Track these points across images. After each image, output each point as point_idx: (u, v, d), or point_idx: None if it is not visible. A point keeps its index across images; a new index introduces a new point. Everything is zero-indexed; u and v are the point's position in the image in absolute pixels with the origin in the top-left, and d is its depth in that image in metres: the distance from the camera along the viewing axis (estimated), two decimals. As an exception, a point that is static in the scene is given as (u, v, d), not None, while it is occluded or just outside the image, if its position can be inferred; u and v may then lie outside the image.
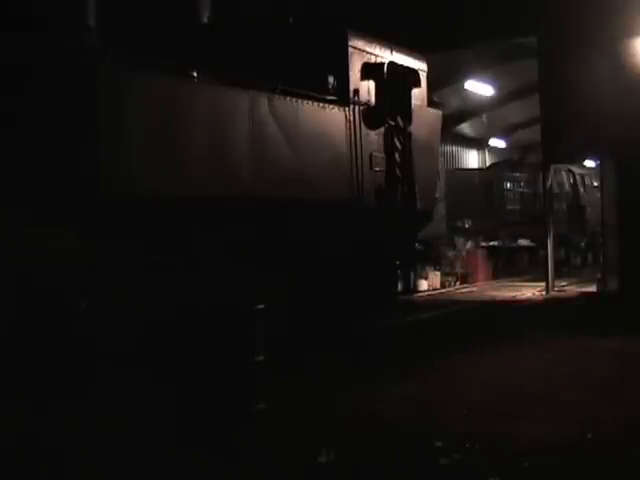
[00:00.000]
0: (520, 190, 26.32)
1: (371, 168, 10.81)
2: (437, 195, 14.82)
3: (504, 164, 28.60)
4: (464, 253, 21.09)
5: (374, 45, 11.19)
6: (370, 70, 10.94)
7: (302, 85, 9.58)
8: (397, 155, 11.39)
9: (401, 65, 11.66)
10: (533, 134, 22.90)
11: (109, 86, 7.23)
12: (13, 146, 6.61)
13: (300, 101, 9.55)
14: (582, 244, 26.96)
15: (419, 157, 11.77)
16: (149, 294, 6.48)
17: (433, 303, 15.88)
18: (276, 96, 9.16)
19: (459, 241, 21.53)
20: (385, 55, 11.37)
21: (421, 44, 12.80)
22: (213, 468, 5.48)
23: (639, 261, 14.57)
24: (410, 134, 11.64)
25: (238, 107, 8.69)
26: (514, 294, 17.44)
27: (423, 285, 18.29)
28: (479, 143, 33.93)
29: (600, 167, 17.90)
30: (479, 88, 25.28)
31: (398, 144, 11.41)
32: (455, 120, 27.49)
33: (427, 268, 18.57)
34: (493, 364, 9.23)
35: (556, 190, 24.07)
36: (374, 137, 10.97)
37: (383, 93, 11.12)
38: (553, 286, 17.26)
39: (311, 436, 6.25)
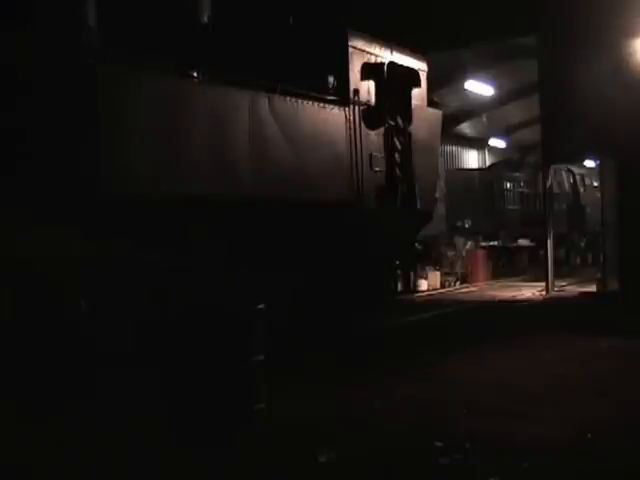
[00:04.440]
0: (520, 190, 26.34)
1: (371, 168, 10.81)
2: (437, 195, 14.83)
3: (504, 164, 28.62)
4: (464, 253, 21.10)
5: (374, 45, 11.19)
6: (370, 70, 10.94)
7: (302, 85, 9.58)
8: (397, 155, 11.39)
9: (401, 65, 11.66)
10: (533, 134, 22.91)
11: (109, 86, 7.23)
12: (13, 146, 6.60)
13: (300, 101, 9.55)
14: (582, 244, 26.98)
15: (419, 157, 11.77)
16: (149, 294, 6.48)
17: (433, 303, 15.89)
18: (276, 96, 9.16)
19: (459, 241, 21.54)
20: (385, 55, 11.38)
21: (421, 44, 12.80)
22: (213, 468, 5.48)
23: (639, 261, 14.57)
24: (410, 134, 11.64)
25: (238, 107, 8.69)
26: (514, 294, 17.44)
27: (423, 285, 18.30)
28: (479, 143, 33.93)
29: (600, 167, 17.91)
30: (479, 88, 25.28)
31: (398, 144, 11.42)
32: (455, 120, 27.50)
33: (427, 268, 18.58)
34: (493, 364, 9.23)
35: (556, 190, 24.10)
36: (374, 137, 10.97)
37: (383, 93, 11.12)
38: (553, 286, 17.27)
39: (311, 436, 6.26)
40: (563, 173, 27.39)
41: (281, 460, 5.70)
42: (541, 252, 19.68)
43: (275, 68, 9.43)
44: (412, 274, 16.62)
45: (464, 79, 24.14)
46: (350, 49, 10.67)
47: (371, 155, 10.83)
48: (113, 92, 7.27)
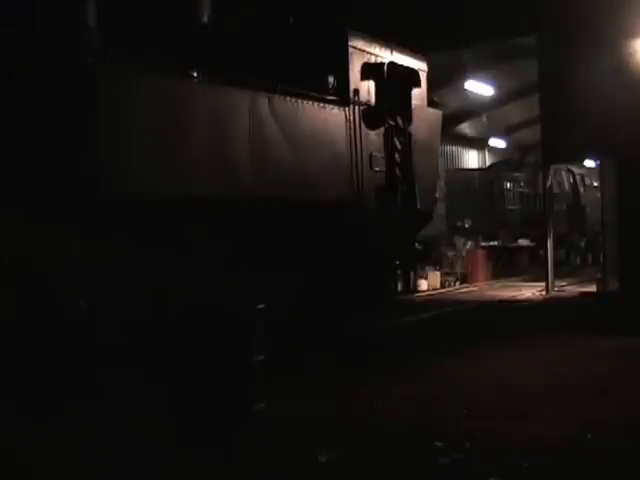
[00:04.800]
0: (520, 190, 26.34)
1: (371, 168, 10.81)
2: (437, 195, 14.83)
3: (504, 164, 28.62)
4: (464, 253, 21.10)
5: (374, 45, 11.20)
6: (370, 70, 10.94)
7: (302, 85, 9.58)
8: (397, 155, 11.40)
9: (401, 65, 11.67)
10: (533, 134, 22.92)
11: (109, 86, 7.23)
12: (13, 146, 6.61)
13: (300, 101, 9.55)
14: (582, 244, 26.98)
15: (419, 157, 11.77)
16: (149, 294, 6.48)
17: (433, 303, 15.89)
18: (276, 96, 9.16)
19: (459, 241, 21.54)
20: (385, 55, 11.38)
21: (421, 44, 12.81)
22: (213, 468, 5.48)
23: (639, 261, 14.57)
24: (410, 134, 11.64)
25: (238, 107, 8.69)
26: (514, 294, 17.44)
27: (423, 285, 18.30)
28: (479, 143, 33.93)
29: (600, 167, 17.91)
30: (479, 88, 25.28)
31: (398, 144, 11.42)
32: (455, 120, 27.49)
33: (427, 268, 18.58)
34: (493, 364, 9.23)
35: (556, 190, 24.10)
36: (374, 137, 10.97)
37: (383, 93, 11.13)
38: (553, 286, 17.27)
39: (311, 436, 6.26)
40: (563, 173, 27.39)
41: (281, 460, 5.70)
42: (541, 252, 19.68)
43: (275, 68, 9.43)
44: (412, 274, 16.62)
45: (464, 79, 24.14)
46: (350, 49, 10.67)
47: (371, 155, 10.83)
48: (113, 92, 7.27)
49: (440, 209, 20.94)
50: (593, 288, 16.73)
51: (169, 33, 8.42)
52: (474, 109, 28.33)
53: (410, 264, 14.75)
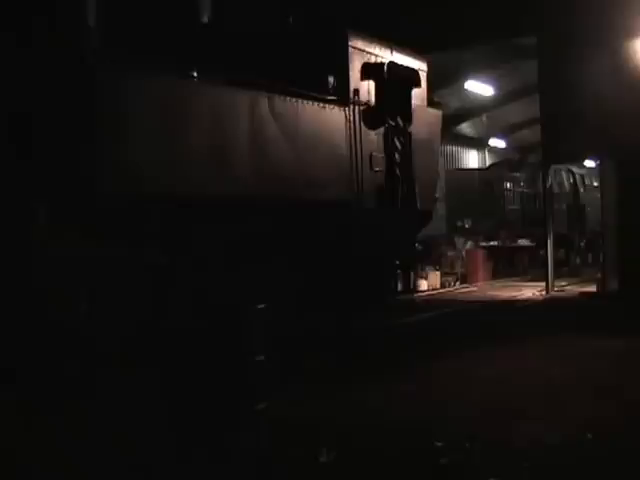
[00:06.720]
0: (520, 190, 26.34)
1: (371, 168, 10.80)
2: (437, 195, 14.82)
3: (504, 164, 28.61)
4: (464, 253, 21.11)
5: (374, 45, 11.18)
6: (370, 70, 10.93)
7: (302, 85, 9.58)
8: (397, 155, 11.38)
9: (401, 65, 11.66)
10: (533, 134, 22.94)
11: (109, 86, 7.23)
12: (12, 147, 6.60)
13: (300, 101, 9.55)
14: (582, 244, 26.98)
15: (419, 157, 11.76)
16: (149, 294, 6.48)
17: (433, 303, 15.90)
18: (276, 96, 9.15)
19: (459, 241, 21.56)
20: (385, 55, 11.37)
21: (421, 44, 12.80)
22: (213, 468, 5.48)
23: (639, 261, 14.58)
24: (410, 134, 11.63)
25: (238, 107, 8.69)
26: (514, 294, 17.45)
27: (423, 285, 18.30)
28: (479, 143, 33.93)
29: (600, 167, 17.92)
30: (479, 88, 25.29)
31: (398, 144, 11.40)
32: (455, 120, 27.50)
33: (427, 268, 18.59)
34: (493, 364, 9.24)
35: (556, 190, 24.09)
36: (374, 137, 10.96)
37: (383, 93, 11.12)
38: (553, 286, 17.27)
39: (311, 436, 6.25)
40: (563, 173, 27.38)
41: (281, 460, 5.69)
42: (541, 252, 19.69)
43: (275, 68, 9.42)
44: (412, 274, 16.61)
45: (464, 79, 24.15)
46: (350, 49, 10.66)
47: (371, 155, 10.82)
48: (113, 92, 7.26)
49: (440, 209, 20.91)
50: (593, 288, 16.74)
51: (169, 33, 8.41)
52: (474, 109, 28.35)
53: (410, 264, 14.74)
